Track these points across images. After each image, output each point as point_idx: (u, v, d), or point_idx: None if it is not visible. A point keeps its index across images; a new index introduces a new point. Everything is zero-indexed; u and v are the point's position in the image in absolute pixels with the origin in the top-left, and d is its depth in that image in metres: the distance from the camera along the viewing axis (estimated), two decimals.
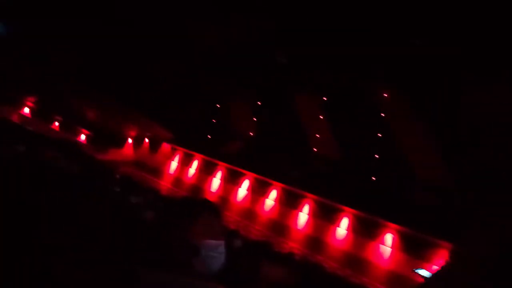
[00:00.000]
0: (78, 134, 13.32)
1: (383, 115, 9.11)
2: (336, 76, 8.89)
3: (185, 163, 13.62)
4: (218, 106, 12.49)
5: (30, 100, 12.05)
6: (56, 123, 13.10)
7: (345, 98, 9.42)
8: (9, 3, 7.94)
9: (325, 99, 9.97)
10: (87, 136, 13.64)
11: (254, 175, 11.71)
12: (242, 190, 11.93)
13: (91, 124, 13.05)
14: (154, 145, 13.89)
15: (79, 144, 11.84)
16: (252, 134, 11.87)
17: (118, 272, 1.29)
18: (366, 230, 9.32)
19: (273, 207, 11.06)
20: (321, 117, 10.09)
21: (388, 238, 8.95)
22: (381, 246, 9.00)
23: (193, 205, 1.66)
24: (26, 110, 12.37)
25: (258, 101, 11.54)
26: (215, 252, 1.53)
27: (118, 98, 10.50)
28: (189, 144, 13.13)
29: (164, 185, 13.21)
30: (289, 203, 10.77)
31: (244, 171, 11.94)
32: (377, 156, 8.88)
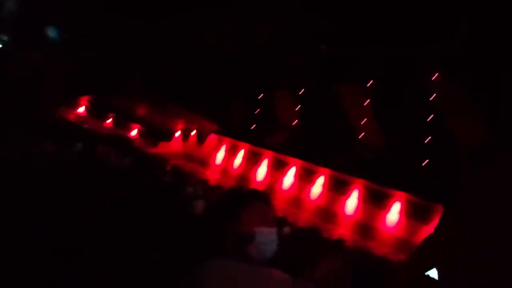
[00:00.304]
0: (130, 130, 13.97)
1: (430, 98, 8.74)
2: (380, 63, 8.60)
3: (231, 153, 13.86)
4: (263, 95, 12.53)
5: (85, 99, 12.79)
6: (109, 120, 13.82)
7: (389, 85, 9.10)
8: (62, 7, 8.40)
9: (368, 85, 9.73)
10: (139, 131, 14.28)
11: (300, 162, 11.68)
12: (289, 178, 11.96)
13: (142, 120, 13.63)
14: (201, 137, 14.24)
15: (131, 139, 12.42)
16: (297, 122, 11.83)
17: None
18: (417, 215, 9.03)
19: (320, 194, 11.00)
20: (365, 103, 9.85)
21: None
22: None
23: (244, 194, 1.72)
24: (81, 109, 13.15)
25: (303, 89, 11.46)
26: (268, 239, 1.57)
27: (166, 94, 10.86)
28: (235, 134, 13.33)
29: (212, 175, 13.56)
30: (337, 189, 10.66)
31: (290, 159, 11.94)
32: (425, 140, 8.55)
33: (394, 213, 9.51)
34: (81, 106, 13.12)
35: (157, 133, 14.18)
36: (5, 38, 8.55)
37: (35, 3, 8.04)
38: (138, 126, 14.18)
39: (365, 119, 9.99)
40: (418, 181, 8.60)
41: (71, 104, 12.32)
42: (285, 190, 11.86)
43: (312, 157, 10.89)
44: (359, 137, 10.17)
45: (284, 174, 12.07)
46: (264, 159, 12.78)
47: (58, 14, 8.55)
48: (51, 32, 8.52)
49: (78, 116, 12.73)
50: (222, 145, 14.21)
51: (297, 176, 11.79)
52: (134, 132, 14.16)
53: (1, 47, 8.57)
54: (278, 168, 12.34)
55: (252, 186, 11.11)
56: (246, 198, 1.69)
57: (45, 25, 8.48)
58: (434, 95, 8.69)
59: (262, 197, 1.71)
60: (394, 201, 9.57)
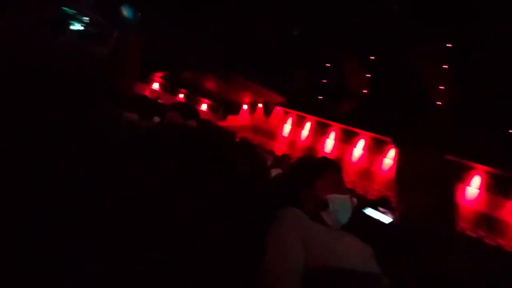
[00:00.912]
0: (200, 104, 14.51)
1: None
2: (458, 22, 7.77)
3: (298, 125, 13.82)
4: (328, 65, 12.17)
5: (158, 76, 13.47)
6: (181, 95, 14.46)
7: (469, 46, 8.22)
8: None
9: (448, 46, 8.88)
10: (208, 106, 14.79)
11: (369, 134, 11.31)
12: (358, 150, 11.67)
13: (211, 94, 14.07)
14: (268, 110, 14.35)
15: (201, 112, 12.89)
16: (365, 91, 11.36)
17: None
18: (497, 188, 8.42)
19: (391, 166, 10.61)
20: (443, 67, 9.06)
21: None
22: None
23: (318, 163, 1.74)
24: (156, 85, 13.88)
25: (371, 55, 10.87)
26: (342, 206, 1.60)
27: (232, 68, 11.03)
28: (301, 106, 13.23)
29: (280, 147, 13.68)
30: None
31: (358, 131, 11.61)
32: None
33: (474, 188, 8.90)
34: (155, 82, 13.85)
35: (225, 106, 14.59)
36: (86, 19, 9.21)
37: None
38: (208, 101, 14.67)
39: (443, 87, 9.26)
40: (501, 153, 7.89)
41: (146, 80, 13.07)
42: (354, 162, 11.62)
43: (381, 129, 10.47)
44: (438, 103, 9.49)
45: (353, 145, 11.80)
46: (331, 131, 12.57)
47: None
48: (126, 11, 9.01)
49: (153, 91, 13.48)
50: (289, 117, 14.21)
51: (366, 148, 11.46)
52: (204, 106, 14.69)
53: (83, 28, 9.25)
54: (346, 139, 12.09)
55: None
56: (320, 166, 1.71)
57: (121, 4, 8.97)
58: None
59: (335, 166, 1.72)
60: (475, 175, 8.93)
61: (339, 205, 1.59)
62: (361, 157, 11.51)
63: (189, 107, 2.59)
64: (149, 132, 1.31)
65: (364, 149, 11.53)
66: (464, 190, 9.00)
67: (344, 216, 1.60)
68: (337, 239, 1.48)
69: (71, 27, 9.10)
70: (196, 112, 2.67)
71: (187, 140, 1.29)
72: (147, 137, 1.27)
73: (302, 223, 1.44)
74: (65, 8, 8.64)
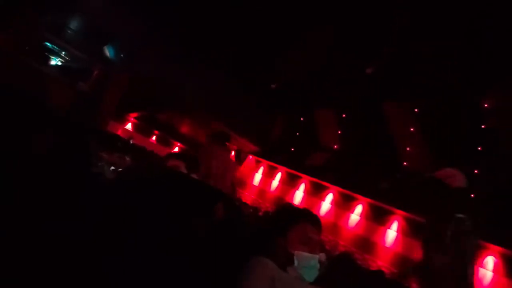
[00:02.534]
0: (172, 147, 14.40)
1: (483, 126, 8.33)
2: (430, 81, 8.28)
3: (268, 175, 13.89)
4: (302, 119, 12.56)
5: (133, 116, 13.40)
6: (154, 137, 14.34)
7: (439, 107, 8.70)
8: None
9: (416, 109, 9.40)
10: (179, 149, 14.68)
11: (339, 188, 11.49)
12: (326, 204, 11.76)
13: (184, 138, 14.04)
14: (240, 158, 14.41)
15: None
16: (336, 146, 11.71)
17: None
18: None
19: (358, 223, 10.72)
20: (412, 128, 9.53)
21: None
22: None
23: (294, 214, 1.73)
24: (129, 125, 13.76)
25: (343, 112, 11.35)
26: (308, 264, 1.56)
27: (208, 112, 11.16)
28: (273, 156, 13.38)
29: (249, 196, 13.60)
30: (376, 219, 10.35)
31: (327, 184, 11.78)
32: (477, 171, 8.12)
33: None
34: (129, 122, 13.74)
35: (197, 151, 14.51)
36: (67, 55, 9.22)
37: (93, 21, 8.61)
38: (179, 144, 14.60)
39: (412, 144, 9.64)
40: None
41: (120, 119, 12.95)
42: (322, 216, 11.66)
43: (352, 184, 10.68)
44: (404, 163, 9.83)
45: (321, 199, 11.90)
46: (301, 182, 12.70)
47: (114, 35, 9.13)
48: (109, 52, 9.11)
49: (126, 131, 13.33)
50: (260, 166, 14.29)
51: (335, 202, 11.59)
52: (175, 150, 14.57)
53: (64, 64, 9.22)
54: (315, 192, 12.20)
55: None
56: (295, 217, 1.70)
57: (103, 43, 9.08)
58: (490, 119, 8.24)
59: (311, 219, 1.71)
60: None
61: (305, 264, 1.55)
62: (329, 211, 11.59)
63: (195, 160, 2.56)
64: (151, 176, 1.33)
65: (332, 203, 11.64)
66: None
67: (310, 274, 1.56)
68: None
69: (53, 62, 9.11)
70: (198, 166, 2.63)
71: (186, 191, 1.33)
72: (149, 180, 1.29)
73: (269, 273, 1.44)
74: (47, 43, 8.68)
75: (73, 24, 8.62)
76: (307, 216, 1.72)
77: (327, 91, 10.62)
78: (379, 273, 7.94)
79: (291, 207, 1.87)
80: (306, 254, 1.58)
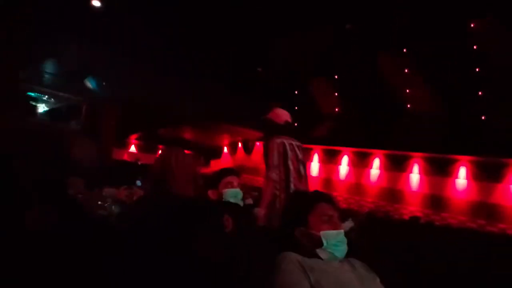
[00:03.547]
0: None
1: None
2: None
3: None
4: (296, 92, 12.46)
5: (134, 138, 13.46)
6: (160, 152, 14.42)
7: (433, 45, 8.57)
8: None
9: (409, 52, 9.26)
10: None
11: (352, 149, 11.47)
12: (343, 167, 11.77)
13: (190, 144, 14.09)
14: (248, 147, 14.43)
15: None
16: (338, 109, 11.64)
17: None
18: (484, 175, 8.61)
19: (380, 176, 10.72)
20: (409, 72, 9.40)
21: None
22: None
23: (308, 199, 1.74)
24: (133, 148, 13.83)
25: (335, 75, 11.23)
26: (336, 240, 1.58)
27: (207, 115, 11.15)
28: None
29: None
30: (396, 167, 10.34)
31: (340, 148, 11.76)
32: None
33: (461, 178, 9.07)
34: (132, 145, 13.80)
35: (206, 153, 14.59)
36: (52, 99, 9.21)
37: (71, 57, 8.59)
38: (187, 151, 14.66)
39: (412, 87, 9.54)
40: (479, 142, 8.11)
41: (122, 145, 13.02)
42: (342, 180, 11.68)
43: (364, 142, 10.63)
44: (408, 106, 9.74)
45: (338, 163, 11.90)
46: (314, 153, 12.70)
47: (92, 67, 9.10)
48: (91, 83, 9.09)
49: (131, 154, 13.40)
50: None
51: (351, 163, 11.59)
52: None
53: (51, 108, 9.22)
54: (329, 159, 12.20)
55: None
56: (309, 202, 1.70)
57: (84, 78, 9.06)
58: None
59: (325, 198, 1.71)
60: (460, 166, 9.12)
61: (333, 240, 1.57)
62: (348, 173, 11.60)
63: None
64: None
65: (349, 164, 11.64)
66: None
67: (340, 250, 1.58)
68: (338, 270, 1.50)
69: (39, 109, 9.14)
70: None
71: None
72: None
73: (299, 264, 1.45)
74: (30, 93, 8.70)
75: (49, 68, 8.59)
76: (319, 197, 1.73)
77: (315, 59, 10.52)
78: (414, 219, 7.98)
79: (301, 195, 1.86)
80: (331, 231, 1.59)
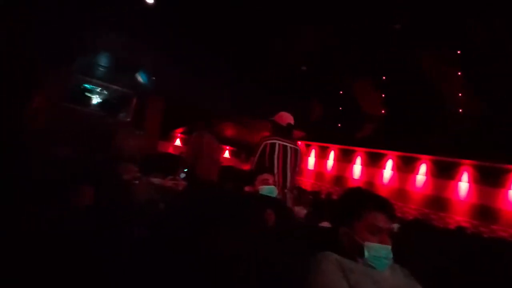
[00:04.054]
0: (223, 152, 14.70)
1: None
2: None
3: (322, 156, 13.74)
4: (341, 92, 12.25)
5: (179, 132, 13.84)
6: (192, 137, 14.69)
7: (479, 46, 8.10)
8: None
9: (456, 52, 8.79)
10: (230, 152, 14.96)
11: (397, 153, 11.11)
12: (387, 171, 11.43)
13: (231, 141, 14.29)
14: None
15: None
16: (383, 111, 11.30)
17: None
18: None
19: (426, 182, 10.29)
20: (457, 72, 8.93)
21: None
22: None
23: (360, 201, 1.61)
24: (178, 142, 14.23)
25: (382, 76, 10.90)
26: (380, 254, 1.47)
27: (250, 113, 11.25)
28: (322, 137, 13.20)
29: (306, 181, 13.55)
30: (444, 174, 9.88)
31: (384, 152, 11.43)
32: None
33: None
34: (177, 138, 14.20)
35: (246, 150, 14.71)
36: (105, 91, 9.69)
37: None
38: (229, 147, 14.87)
39: (458, 89, 9.07)
40: None
41: (168, 138, 13.43)
42: (386, 184, 11.35)
43: (410, 145, 10.25)
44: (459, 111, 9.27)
45: (382, 167, 11.57)
46: (356, 156, 12.44)
47: (142, 61, 9.46)
48: (142, 78, 9.47)
49: (176, 147, 13.79)
50: (311, 149, 14.17)
51: (396, 167, 11.22)
52: (226, 153, 14.86)
53: (104, 100, 9.69)
54: (373, 163, 11.89)
55: (351, 185, 10.78)
56: (360, 206, 1.57)
57: (135, 72, 9.46)
58: None
59: (379, 205, 1.59)
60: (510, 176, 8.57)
61: (376, 254, 1.46)
62: (392, 178, 11.25)
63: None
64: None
65: (393, 169, 11.29)
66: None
67: (382, 265, 1.47)
68: (378, 275, 1.44)
69: (93, 101, 9.69)
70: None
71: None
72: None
73: (339, 266, 1.41)
74: (85, 85, 9.24)
75: (102, 61, 9.06)
76: (373, 203, 1.58)
77: (360, 59, 10.25)
78: (459, 229, 7.60)
79: (354, 194, 1.70)
80: (377, 245, 1.48)
